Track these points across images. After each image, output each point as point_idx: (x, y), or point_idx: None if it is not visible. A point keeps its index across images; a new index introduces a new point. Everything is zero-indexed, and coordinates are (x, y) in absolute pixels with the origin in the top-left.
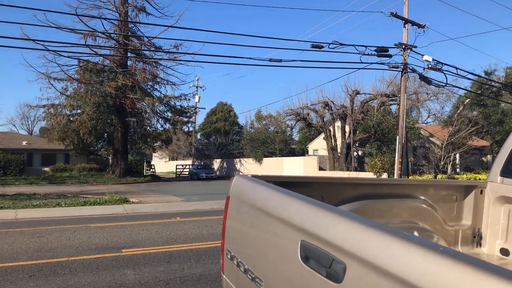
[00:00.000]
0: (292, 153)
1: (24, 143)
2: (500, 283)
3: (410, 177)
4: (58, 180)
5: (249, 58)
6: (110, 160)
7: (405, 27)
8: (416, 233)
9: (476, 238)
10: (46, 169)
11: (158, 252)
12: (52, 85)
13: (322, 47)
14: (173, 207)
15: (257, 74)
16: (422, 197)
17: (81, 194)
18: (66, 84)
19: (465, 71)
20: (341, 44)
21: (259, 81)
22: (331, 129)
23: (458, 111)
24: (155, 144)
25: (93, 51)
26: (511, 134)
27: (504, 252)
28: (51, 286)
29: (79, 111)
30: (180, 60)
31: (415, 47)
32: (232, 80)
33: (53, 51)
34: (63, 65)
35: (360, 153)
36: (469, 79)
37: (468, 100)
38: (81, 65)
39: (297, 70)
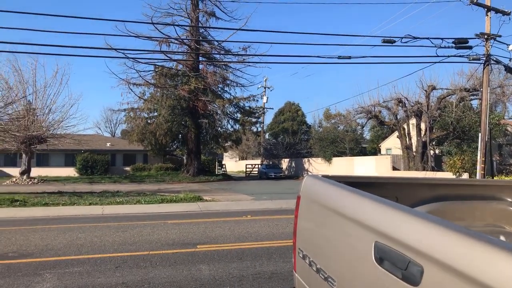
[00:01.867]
0: (363, 152)
1: (108, 144)
2: None
3: (495, 178)
4: (137, 179)
5: (317, 56)
6: (185, 160)
7: (487, 15)
8: (502, 238)
9: None
10: (127, 168)
11: (231, 249)
12: (131, 90)
13: (394, 41)
14: (244, 205)
15: (326, 72)
16: (510, 199)
17: (158, 192)
18: (144, 89)
19: None
20: (415, 38)
21: (327, 79)
22: (405, 127)
23: None
24: (226, 144)
25: (168, 56)
26: None
27: None
28: (135, 277)
29: (155, 114)
30: (248, 62)
31: (500, 36)
32: (300, 80)
33: (132, 58)
34: (141, 71)
35: (437, 152)
36: None
37: None
38: (156, 70)
39: (367, 66)
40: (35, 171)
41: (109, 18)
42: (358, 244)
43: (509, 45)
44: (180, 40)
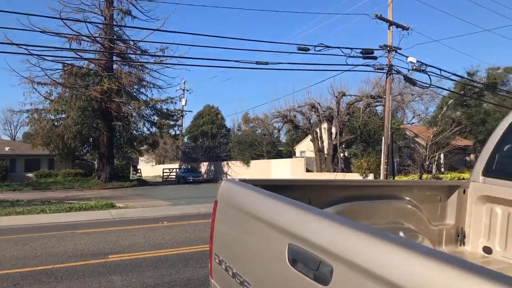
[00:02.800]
0: (279, 155)
1: (6, 148)
2: (481, 282)
3: (396, 178)
4: (42, 186)
5: (236, 61)
6: (96, 165)
7: (389, 29)
8: (401, 234)
9: (460, 237)
10: (30, 175)
11: (145, 257)
12: (35, 89)
13: (308, 49)
14: (160, 211)
15: (245, 76)
16: (407, 198)
17: (66, 200)
18: (50, 89)
19: (449, 72)
20: (327, 47)
21: (246, 83)
22: (318, 130)
23: (442, 112)
24: (142, 148)
25: (78, 55)
26: (493, 135)
27: (487, 250)
28: None
29: (63, 115)
30: (166, 64)
31: (400, 48)
32: (219, 83)
33: (37, 55)
34: (47, 69)
35: (346, 154)
36: (452, 80)
37: (451, 100)
38: (65, 69)
39: (284, 72)
40: None
41: (9, 10)
42: (273, 246)
43: (408, 57)
44: (92, 38)
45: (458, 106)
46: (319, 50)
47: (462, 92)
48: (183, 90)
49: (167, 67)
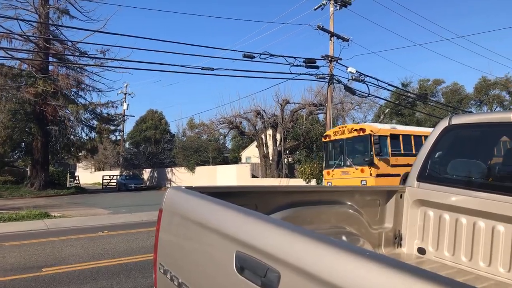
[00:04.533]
0: (225, 161)
1: None
2: (416, 281)
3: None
4: None
5: (181, 65)
6: (29, 172)
7: (331, 40)
8: (344, 238)
9: (397, 239)
10: None
11: (83, 269)
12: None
13: (254, 57)
14: (100, 220)
15: (190, 82)
16: (349, 203)
17: None
18: None
19: (385, 83)
20: (272, 55)
21: (191, 89)
22: (263, 137)
23: (380, 120)
24: (80, 154)
25: (9, 54)
26: (425, 142)
27: (421, 251)
28: None
29: None
30: (107, 66)
31: (340, 59)
32: (163, 87)
33: None
34: None
35: (290, 160)
36: (388, 90)
37: (388, 109)
38: None
39: (229, 79)
40: None
41: None
42: (220, 255)
43: (348, 67)
44: (25, 36)
45: (394, 115)
46: (264, 58)
47: (397, 101)
48: (125, 94)
49: (108, 69)
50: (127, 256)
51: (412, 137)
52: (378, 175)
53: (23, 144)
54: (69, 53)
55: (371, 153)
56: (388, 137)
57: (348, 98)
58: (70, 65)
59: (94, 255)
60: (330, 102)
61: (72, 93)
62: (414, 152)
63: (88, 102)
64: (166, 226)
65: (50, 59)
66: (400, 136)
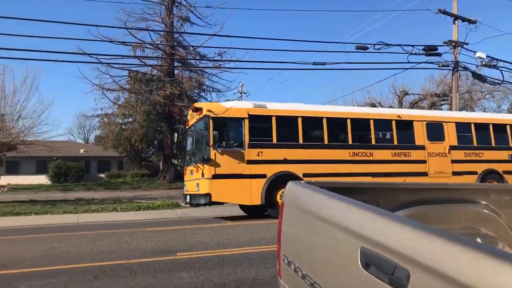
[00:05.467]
0: None
1: (81, 151)
2: None
3: None
4: (113, 186)
5: (293, 62)
6: (161, 166)
7: (454, 23)
8: (479, 240)
9: None
10: (102, 175)
11: (211, 255)
12: (105, 95)
13: (367, 48)
14: (223, 211)
15: (301, 78)
16: (484, 202)
17: (135, 199)
18: (118, 94)
19: None
20: (387, 45)
21: (303, 84)
22: None
23: None
24: None
25: (142, 61)
26: None
27: None
28: (114, 286)
29: (130, 119)
30: (224, 68)
31: (467, 44)
32: (276, 85)
33: (106, 63)
34: (115, 76)
35: None
36: None
37: None
38: (131, 75)
39: (341, 72)
40: (5, 179)
41: (81, 23)
42: (343, 249)
43: (476, 52)
44: (154, 45)
45: None
46: (378, 49)
47: None
48: (241, 93)
49: (225, 71)
50: (248, 246)
51: (299, 120)
52: (216, 176)
53: (156, 141)
54: (191, 57)
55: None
56: (246, 120)
57: (477, 86)
58: (192, 68)
59: (219, 243)
60: (455, 91)
61: (195, 94)
62: (301, 141)
63: (209, 102)
64: (287, 219)
65: (175, 64)
66: (273, 118)
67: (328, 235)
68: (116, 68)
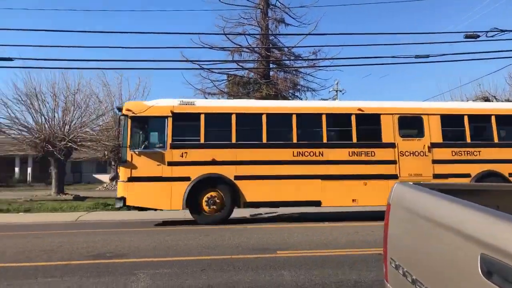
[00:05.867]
0: None
1: None
2: None
3: None
4: None
5: (392, 56)
6: None
7: None
8: None
9: None
10: None
11: (311, 255)
12: (206, 98)
13: (478, 36)
14: (321, 210)
15: (401, 72)
16: None
17: None
18: (218, 98)
19: None
20: (502, 31)
21: (404, 79)
22: None
23: None
24: None
25: (240, 65)
26: None
27: None
28: (220, 280)
29: None
30: (319, 66)
31: None
32: (374, 81)
33: (207, 69)
34: (215, 81)
35: None
36: None
37: None
38: (229, 79)
39: (447, 64)
40: None
41: (184, 32)
42: (461, 256)
43: None
44: (251, 48)
45: None
46: (491, 36)
47: None
48: (336, 91)
49: (320, 69)
50: (349, 248)
51: (233, 117)
52: (132, 179)
53: None
54: (286, 58)
55: (126, 144)
56: (169, 118)
57: None
58: (286, 69)
59: (319, 244)
60: None
61: (290, 94)
62: (235, 140)
63: None
64: (394, 221)
65: (271, 65)
66: (202, 116)
67: (443, 240)
68: (215, 73)
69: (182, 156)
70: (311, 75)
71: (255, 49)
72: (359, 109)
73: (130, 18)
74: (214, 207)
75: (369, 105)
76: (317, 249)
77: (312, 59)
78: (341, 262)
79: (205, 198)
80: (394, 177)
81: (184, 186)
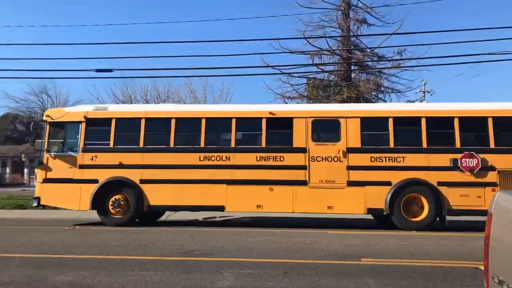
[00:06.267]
0: None
1: None
2: None
3: None
4: None
5: (488, 53)
6: None
7: None
8: None
9: None
10: None
11: (397, 265)
12: (286, 103)
13: None
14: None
15: (499, 70)
16: None
17: None
18: (297, 102)
19: None
20: None
21: (501, 78)
22: None
23: None
24: None
25: (320, 68)
26: None
27: None
28: (303, 284)
29: None
30: (404, 67)
31: None
32: (466, 81)
33: (286, 73)
34: (294, 85)
35: None
36: None
37: None
38: (309, 83)
39: None
40: None
41: (264, 38)
42: None
43: None
44: (331, 51)
45: None
46: None
47: None
48: (424, 92)
49: (406, 70)
50: (439, 259)
51: (142, 122)
52: (46, 180)
53: None
54: (368, 59)
55: (43, 148)
56: (82, 124)
57: None
58: (369, 70)
59: (406, 253)
60: None
61: (372, 96)
62: (142, 144)
63: None
64: (497, 233)
65: (352, 67)
66: (113, 121)
67: None
68: (295, 77)
69: (92, 160)
70: (396, 76)
71: (336, 51)
72: (271, 113)
73: (218, 25)
74: (119, 209)
75: (282, 108)
76: (405, 258)
77: (397, 59)
78: (431, 274)
79: (111, 201)
80: (303, 183)
81: (92, 188)
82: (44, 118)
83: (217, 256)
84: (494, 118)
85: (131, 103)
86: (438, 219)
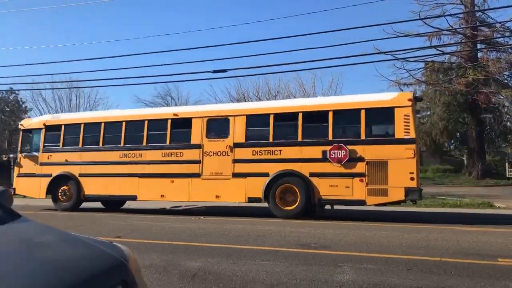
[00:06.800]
0: None
1: None
2: None
3: None
4: None
5: None
6: (465, 161)
7: None
8: None
9: None
10: None
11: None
12: (402, 90)
13: None
14: None
15: None
16: None
17: (437, 195)
18: (415, 88)
19: None
20: None
21: None
22: None
23: None
24: None
25: (439, 50)
26: None
27: None
28: (429, 282)
29: (428, 112)
30: None
31: None
32: None
33: (401, 58)
34: (411, 70)
35: None
36: None
37: None
38: (427, 67)
39: None
40: None
41: (375, 23)
42: None
43: None
44: (453, 30)
45: None
46: None
47: None
48: None
49: None
50: None
51: (82, 126)
52: (20, 175)
53: (458, 134)
54: (499, 35)
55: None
56: (43, 130)
57: None
58: (500, 47)
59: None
60: None
61: (505, 77)
62: (81, 145)
63: None
64: None
65: (478, 46)
66: (62, 127)
67: None
68: (411, 61)
69: (48, 158)
70: None
71: (458, 29)
72: (175, 114)
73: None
74: (65, 197)
75: (184, 110)
76: None
77: None
78: None
79: (60, 191)
80: (196, 175)
81: (47, 181)
82: (19, 126)
83: (335, 249)
84: (366, 110)
85: (245, 100)
86: (309, 208)
